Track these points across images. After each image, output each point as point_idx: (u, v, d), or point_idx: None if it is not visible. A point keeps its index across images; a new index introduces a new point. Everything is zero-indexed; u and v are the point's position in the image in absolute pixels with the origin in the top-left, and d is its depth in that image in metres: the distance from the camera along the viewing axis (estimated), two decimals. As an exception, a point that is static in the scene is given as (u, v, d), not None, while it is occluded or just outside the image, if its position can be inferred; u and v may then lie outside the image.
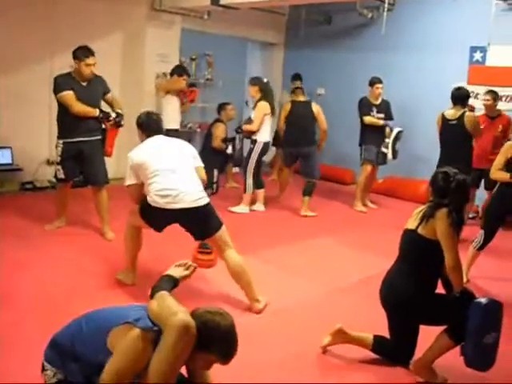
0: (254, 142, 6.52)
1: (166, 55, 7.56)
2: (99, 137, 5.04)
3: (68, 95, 4.84)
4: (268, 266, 4.70)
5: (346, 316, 3.71)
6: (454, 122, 5.57)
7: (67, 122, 4.93)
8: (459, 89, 5.74)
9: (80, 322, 2.36)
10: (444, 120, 5.66)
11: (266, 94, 6.53)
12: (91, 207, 5.27)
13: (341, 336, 3.27)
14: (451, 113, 5.63)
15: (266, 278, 4.42)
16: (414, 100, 7.83)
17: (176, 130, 6.88)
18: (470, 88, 7.20)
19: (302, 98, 6.87)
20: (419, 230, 2.99)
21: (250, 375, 2.90)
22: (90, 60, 4.83)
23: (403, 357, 3.17)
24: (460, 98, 5.60)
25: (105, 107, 5.15)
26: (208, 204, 3.81)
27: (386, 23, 7.41)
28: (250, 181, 6.56)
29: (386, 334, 3.22)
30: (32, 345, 3.00)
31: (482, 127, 5.83)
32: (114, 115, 5.00)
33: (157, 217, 3.79)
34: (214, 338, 2.20)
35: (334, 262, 5.04)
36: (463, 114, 5.55)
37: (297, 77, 8.30)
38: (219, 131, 7.33)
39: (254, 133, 6.48)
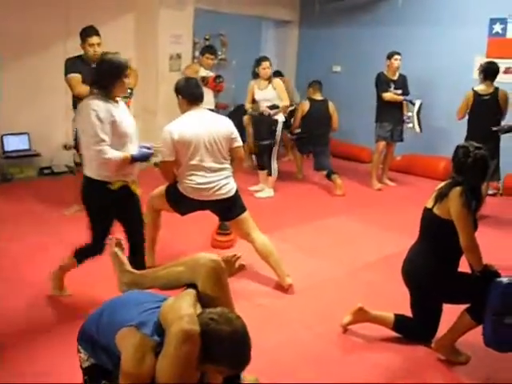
0: (275, 122, 6.35)
1: (180, 36, 7.49)
2: None
3: (73, 77, 4.81)
4: (287, 246, 4.67)
5: (367, 295, 3.70)
6: (487, 98, 5.46)
7: (78, 101, 4.90)
8: (491, 63, 5.59)
9: (102, 310, 2.31)
10: (476, 95, 5.54)
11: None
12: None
13: (361, 315, 3.25)
14: (483, 88, 5.51)
15: (285, 259, 4.41)
16: (432, 74, 7.69)
17: (212, 110, 6.79)
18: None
19: (319, 97, 7.05)
20: (435, 210, 2.95)
21: (272, 357, 2.90)
22: (92, 39, 4.78)
23: (425, 335, 3.14)
24: (492, 72, 5.48)
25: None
26: (236, 192, 3.81)
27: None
28: (275, 164, 6.48)
29: (407, 312, 3.20)
30: (54, 328, 3.04)
31: None
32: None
33: (185, 204, 3.77)
34: (221, 350, 2.00)
35: (354, 241, 5.00)
36: (497, 90, 5.45)
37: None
38: None
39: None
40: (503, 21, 7.03)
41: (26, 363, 2.78)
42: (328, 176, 6.72)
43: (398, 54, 6.75)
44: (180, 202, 3.76)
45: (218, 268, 2.27)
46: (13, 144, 6.47)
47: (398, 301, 3.26)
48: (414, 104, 6.73)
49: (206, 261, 2.26)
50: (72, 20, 6.46)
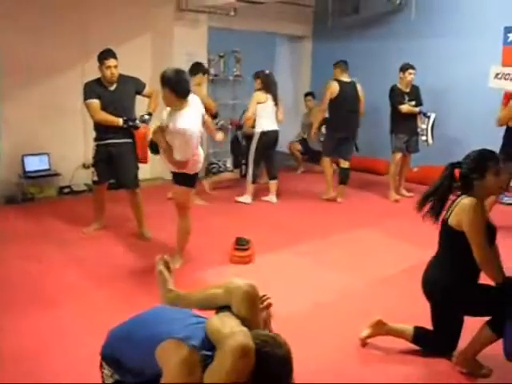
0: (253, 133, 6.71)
1: (194, 53, 7.56)
2: (129, 140, 5.05)
3: (92, 104, 4.91)
4: (305, 260, 4.68)
5: (386, 308, 3.67)
6: None
7: (98, 125, 5.02)
8: None
9: (128, 326, 2.30)
10: None
11: (268, 85, 6.56)
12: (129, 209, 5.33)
13: (380, 328, 3.24)
14: None
15: (303, 272, 4.43)
16: (447, 85, 7.66)
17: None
18: (505, 70, 7.06)
19: (346, 78, 6.76)
20: (449, 221, 2.94)
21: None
22: (109, 62, 4.87)
23: (445, 348, 3.12)
24: None
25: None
26: None
27: (415, 8, 7.27)
28: (250, 170, 6.65)
29: (427, 325, 3.17)
30: (77, 347, 3.07)
31: None
32: (138, 122, 5.01)
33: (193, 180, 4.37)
34: (270, 373, 2.01)
35: (372, 254, 4.98)
36: None
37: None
38: None
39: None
40: (518, 29, 6.98)
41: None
42: (339, 181, 6.82)
43: (413, 68, 6.76)
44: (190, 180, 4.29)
45: (253, 292, 2.31)
46: (33, 164, 6.58)
47: (418, 314, 3.24)
48: (428, 117, 6.72)
49: (243, 285, 2.32)
50: (89, 42, 6.59)
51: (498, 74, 7.06)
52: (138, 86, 5.15)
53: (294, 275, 4.32)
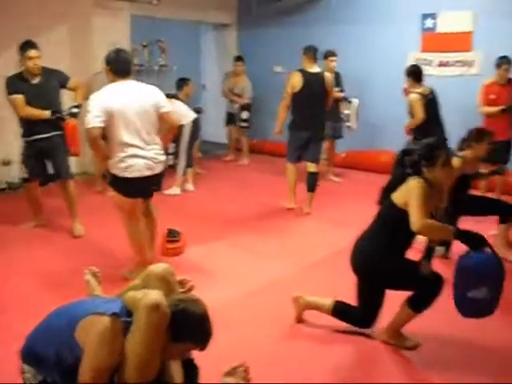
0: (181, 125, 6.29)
1: (117, 43, 7.27)
2: (58, 132, 4.88)
3: (16, 99, 4.72)
4: (236, 249, 4.69)
5: (317, 292, 3.72)
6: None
7: (24, 120, 4.83)
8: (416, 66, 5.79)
9: (50, 318, 2.32)
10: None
11: None
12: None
13: (300, 303, 3.35)
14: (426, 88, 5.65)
15: (235, 261, 4.44)
16: (369, 71, 7.86)
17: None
18: (423, 56, 7.33)
19: (313, 68, 5.69)
20: (394, 198, 2.98)
21: (221, 357, 2.90)
22: (31, 53, 4.68)
23: (365, 322, 3.19)
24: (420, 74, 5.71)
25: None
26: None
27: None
28: (182, 162, 6.63)
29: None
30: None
31: (493, 97, 5.78)
32: (66, 113, 4.85)
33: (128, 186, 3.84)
34: (190, 326, 2.19)
35: (304, 240, 5.05)
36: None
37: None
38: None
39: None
40: (433, 16, 7.26)
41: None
42: (308, 188, 5.82)
43: (334, 54, 6.86)
44: (123, 185, 3.78)
45: (166, 273, 2.48)
46: None
47: (351, 294, 3.30)
48: (350, 102, 6.88)
49: (156, 267, 2.52)
50: (1, 33, 6.25)
51: (417, 60, 7.34)
52: (62, 79, 4.98)
53: (225, 265, 4.31)
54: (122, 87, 3.71)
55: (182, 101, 6.80)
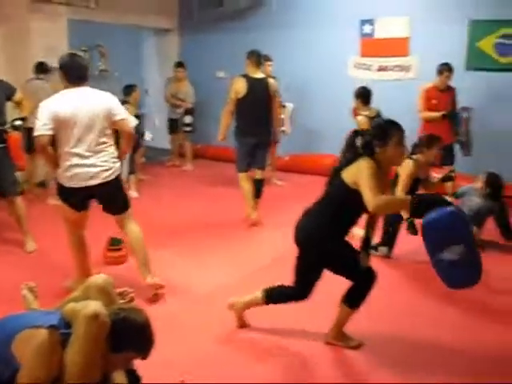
0: None
1: (54, 48, 7.17)
2: (2, 144, 4.59)
3: None
4: (180, 258, 4.64)
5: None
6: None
7: None
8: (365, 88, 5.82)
9: None
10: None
11: None
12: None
13: (237, 307, 3.36)
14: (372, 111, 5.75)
15: (180, 270, 4.37)
16: (310, 75, 7.96)
17: None
18: (362, 61, 7.50)
19: (257, 74, 5.59)
20: (344, 176, 2.92)
21: (165, 361, 2.86)
22: None
23: (301, 294, 3.17)
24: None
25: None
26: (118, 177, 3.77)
27: (275, 0, 7.44)
28: (125, 168, 6.36)
29: (306, 309, 3.28)
30: None
31: (435, 102, 5.92)
32: (8, 126, 4.62)
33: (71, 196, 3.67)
34: (132, 335, 2.19)
35: (247, 246, 5.04)
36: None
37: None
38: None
39: None
40: (371, 21, 7.44)
41: None
42: (255, 195, 5.72)
43: (269, 59, 6.82)
44: (68, 195, 3.63)
45: (106, 283, 2.48)
46: None
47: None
48: (284, 107, 6.94)
49: (95, 279, 2.52)
50: None
51: (356, 64, 7.51)
52: (8, 91, 4.71)
53: (167, 274, 4.19)
54: (72, 94, 3.55)
55: (132, 106, 6.69)
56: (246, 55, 5.65)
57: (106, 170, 3.60)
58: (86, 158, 3.54)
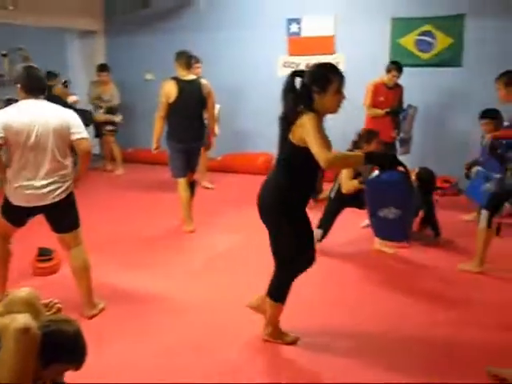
0: None
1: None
2: None
3: None
4: (113, 267, 4.52)
5: (200, 296, 3.70)
6: None
7: None
8: None
9: None
10: None
11: None
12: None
13: (260, 306, 3.24)
14: None
15: (111, 278, 4.24)
16: (239, 76, 7.98)
17: None
18: (290, 59, 7.58)
19: (188, 76, 5.37)
20: (290, 137, 2.81)
21: (106, 375, 2.78)
22: None
23: (296, 269, 3.07)
24: None
25: None
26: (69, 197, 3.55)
27: (203, 0, 7.37)
28: None
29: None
30: None
31: (382, 99, 6.03)
32: None
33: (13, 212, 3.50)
34: (64, 346, 2.15)
35: (184, 249, 4.97)
36: None
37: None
38: None
39: None
40: (298, 20, 7.53)
41: None
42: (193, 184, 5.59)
43: (198, 61, 6.71)
44: (9, 209, 3.44)
45: (30, 296, 2.36)
46: None
47: (245, 296, 3.30)
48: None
49: (18, 292, 2.38)
50: None
51: (285, 63, 7.59)
52: None
53: (97, 282, 4.03)
54: (26, 107, 3.33)
55: None
56: (175, 57, 5.42)
57: (56, 189, 3.39)
58: (35, 179, 3.34)
